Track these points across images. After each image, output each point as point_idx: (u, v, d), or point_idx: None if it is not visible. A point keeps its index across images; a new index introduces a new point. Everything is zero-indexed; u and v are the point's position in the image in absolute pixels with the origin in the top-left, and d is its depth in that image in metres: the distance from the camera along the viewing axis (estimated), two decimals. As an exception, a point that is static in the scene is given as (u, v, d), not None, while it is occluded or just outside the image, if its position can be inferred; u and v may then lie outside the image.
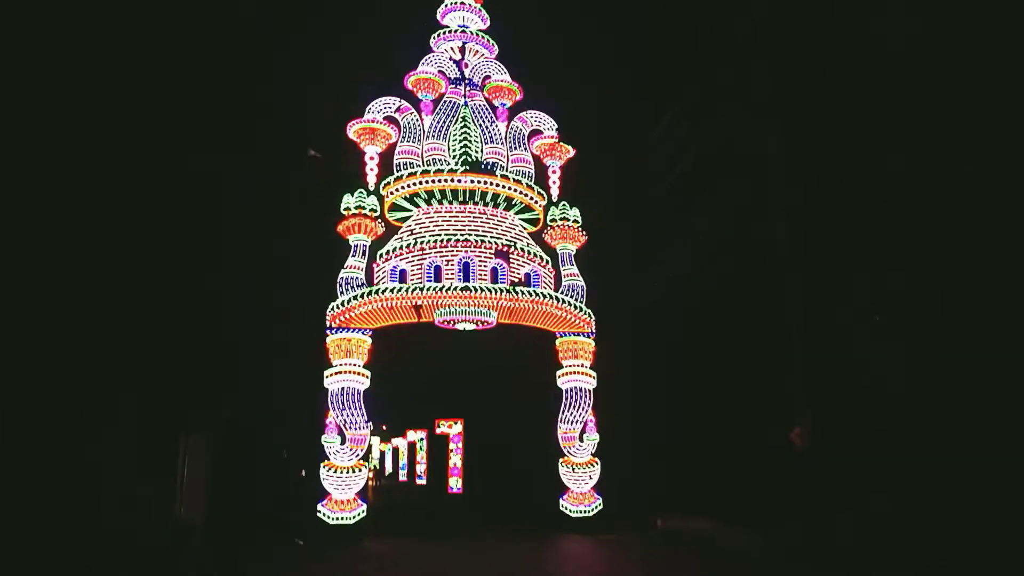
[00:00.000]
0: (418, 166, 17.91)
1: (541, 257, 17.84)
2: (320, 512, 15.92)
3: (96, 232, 15.53)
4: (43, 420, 13.75)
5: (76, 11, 15.70)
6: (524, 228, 18.63)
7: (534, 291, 16.92)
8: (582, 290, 17.86)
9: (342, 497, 16.04)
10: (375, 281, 17.23)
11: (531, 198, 18.26)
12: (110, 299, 15.26)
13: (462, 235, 17.11)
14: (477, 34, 19.80)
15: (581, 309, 17.57)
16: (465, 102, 18.99)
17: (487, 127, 18.75)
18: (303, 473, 18.17)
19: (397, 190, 17.83)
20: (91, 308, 14.96)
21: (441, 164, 17.82)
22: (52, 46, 15.26)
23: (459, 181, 17.49)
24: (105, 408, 14.50)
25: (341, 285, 16.78)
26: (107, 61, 16.03)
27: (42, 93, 15.00)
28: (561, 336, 17.92)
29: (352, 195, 17.38)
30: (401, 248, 17.21)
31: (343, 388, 16.25)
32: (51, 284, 14.63)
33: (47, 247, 14.68)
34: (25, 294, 14.26)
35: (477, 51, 19.77)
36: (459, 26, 19.75)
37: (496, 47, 19.96)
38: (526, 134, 19.15)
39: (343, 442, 16.16)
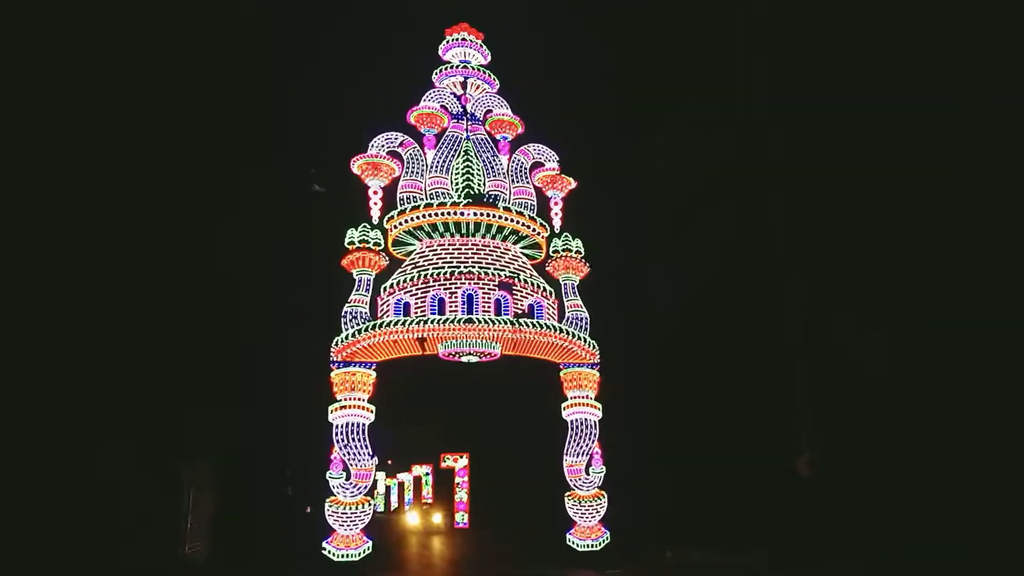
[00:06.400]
0: (421, 200, 18.02)
1: (544, 288, 17.85)
2: (325, 549, 15.73)
3: (97, 257, 15.64)
4: (40, 446, 13.71)
5: (86, 25, 16.01)
6: (527, 260, 18.67)
7: (538, 323, 16.90)
8: (586, 321, 17.83)
9: (347, 533, 15.86)
10: (379, 315, 17.24)
11: (533, 230, 18.32)
12: (111, 325, 15.30)
13: (466, 267, 17.14)
14: (478, 69, 20.05)
15: (585, 340, 17.52)
16: (467, 136, 19.16)
17: (489, 160, 18.89)
18: (308, 510, 18.01)
19: (400, 224, 17.92)
20: (90, 334, 15.00)
21: (444, 197, 17.92)
22: (56, 62, 15.52)
23: (462, 214, 17.57)
24: (106, 439, 14.45)
25: (345, 319, 16.77)
26: (108, 84, 16.29)
27: (43, 113, 15.23)
28: (565, 367, 17.85)
29: (356, 229, 17.48)
30: (405, 281, 17.23)
31: (347, 423, 16.16)
32: (49, 305, 14.69)
33: (44, 270, 14.79)
34: (25, 320, 14.32)
35: (479, 86, 20.01)
36: (461, 61, 20.00)
37: (497, 82, 20.21)
38: (528, 166, 19.28)
39: (348, 478, 16.02)
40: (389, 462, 37.78)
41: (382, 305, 17.42)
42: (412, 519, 28.53)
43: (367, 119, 19.21)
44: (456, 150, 18.85)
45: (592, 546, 17.04)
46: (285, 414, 18.21)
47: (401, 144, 18.54)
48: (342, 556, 15.67)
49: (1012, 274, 13.08)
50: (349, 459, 16.01)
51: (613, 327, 18.86)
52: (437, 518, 27.55)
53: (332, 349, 16.56)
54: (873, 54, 15.46)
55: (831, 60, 16.30)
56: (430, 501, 32.89)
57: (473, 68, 20.03)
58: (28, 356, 14.14)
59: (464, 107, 19.59)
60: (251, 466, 17.67)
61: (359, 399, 16.37)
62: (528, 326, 16.61)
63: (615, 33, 22.65)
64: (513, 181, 18.94)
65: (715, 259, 19.98)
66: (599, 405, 17.70)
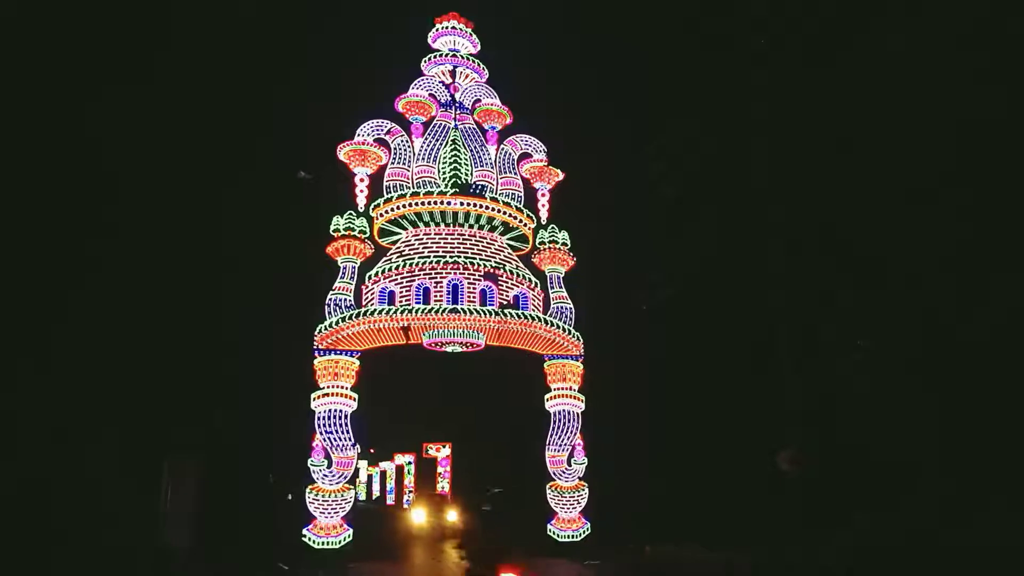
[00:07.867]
0: (408, 188, 17.95)
1: (530, 279, 17.85)
2: (305, 536, 15.72)
3: (90, 250, 15.54)
4: (26, 437, 13.63)
5: (83, 24, 15.89)
6: (513, 250, 18.66)
7: (522, 313, 16.91)
8: (571, 312, 17.86)
9: (328, 521, 15.85)
10: (364, 303, 17.18)
11: (520, 221, 18.31)
12: (99, 315, 15.21)
13: (451, 257, 17.11)
14: (468, 58, 19.94)
15: (569, 331, 17.56)
16: (455, 125, 19.08)
17: (477, 150, 18.83)
18: (289, 497, 17.99)
19: (387, 212, 17.84)
20: (80, 324, 14.91)
21: (431, 186, 17.86)
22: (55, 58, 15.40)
23: (448, 203, 17.51)
24: (91, 427, 14.38)
25: (329, 306, 16.70)
26: (108, 83, 16.19)
27: (44, 112, 15.10)
28: (549, 359, 17.89)
29: (342, 217, 17.39)
30: (390, 270, 17.19)
31: (330, 410, 16.13)
32: (45, 305, 14.59)
33: (43, 269, 14.69)
34: (19, 319, 14.22)
35: (468, 75, 19.90)
36: (450, 50, 19.88)
37: (486, 71, 20.10)
38: (516, 157, 19.24)
39: (329, 465, 16.00)
40: (371, 450, 37.89)
41: (367, 293, 17.37)
42: (418, 517, 25.84)
43: (355, 106, 19.12)
44: (444, 139, 18.77)
45: (572, 537, 17.13)
46: (267, 402, 18.15)
47: (388, 132, 18.43)
48: (322, 543, 15.67)
49: (1008, 284, 13.20)
50: (331, 447, 15.98)
51: (607, 324, 18.92)
52: (452, 516, 25.57)
53: (315, 337, 16.51)
54: (873, 56, 15.52)
55: (830, 63, 16.36)
56: (412, 491, 32.86)
57: (462, 57, 19.92)
58: (20, 355, 14.06)
59: (453, 96, 19.50)
60: (233, 455, 17.61)
61: (342, 387, 16.33)
62: (513, 316, 16.62)
63: (615, 33, 22.69)
64: (500, 172, 18.89)
65: (712, 259, 20.04)
66: (582, 397, 17.76)
